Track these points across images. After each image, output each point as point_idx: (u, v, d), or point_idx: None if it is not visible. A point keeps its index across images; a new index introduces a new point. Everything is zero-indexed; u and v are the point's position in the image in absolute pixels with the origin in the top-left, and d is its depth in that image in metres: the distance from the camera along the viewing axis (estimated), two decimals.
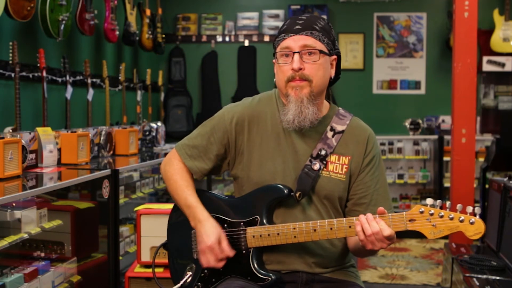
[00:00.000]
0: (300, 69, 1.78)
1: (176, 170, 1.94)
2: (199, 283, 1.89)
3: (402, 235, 5.61)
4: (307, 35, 1.79)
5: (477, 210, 1.61)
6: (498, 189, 3.25)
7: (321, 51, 1.80)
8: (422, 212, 1.64)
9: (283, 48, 1.81)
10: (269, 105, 1.91)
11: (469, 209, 1.61)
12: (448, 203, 1.64)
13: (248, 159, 1.88)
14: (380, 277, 4.43)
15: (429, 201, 1.64)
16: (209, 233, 1.80)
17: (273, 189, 1.83)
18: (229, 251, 1.81)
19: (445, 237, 4.24)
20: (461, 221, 1.61)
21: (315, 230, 1.74)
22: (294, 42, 1.79)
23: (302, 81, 1.78)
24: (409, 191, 6.34)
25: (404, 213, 1.66)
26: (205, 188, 4.14)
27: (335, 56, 1.87)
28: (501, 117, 4.36)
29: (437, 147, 6.04)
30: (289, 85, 1.80)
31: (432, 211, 1.63)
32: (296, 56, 1.78)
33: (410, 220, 1.65)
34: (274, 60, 1.87)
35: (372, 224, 1.65)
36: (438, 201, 1.65)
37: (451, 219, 1.61)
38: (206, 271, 1.88)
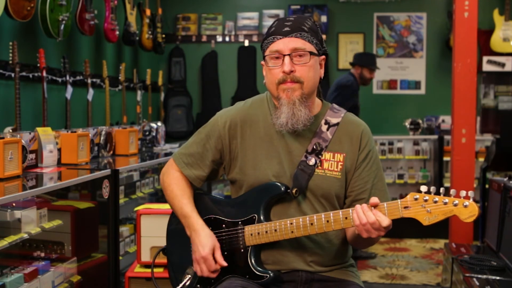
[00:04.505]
0: (291, 71, 1.77)
1: (173, 179, 1.95)
2: (198, 285, 1.89)
3: (403, 235, 5.62)
4: (296, 37, 1.78)
5: (471, 193, 1.62)
6: (498, 189, 3.25)
7: (311, 52, 1.79)
8: (416, 199, 1.65)
9: (273, 51, 1.80)
10: (261, 107, 1.91)
11: (463, 193, 1.62)
12: (442, 189, 1.64)
13: (243, 163, 1.88)
14: (380, 277, 4.43)
15: (423, 188, 1.65)
16: (203, 243, 1.82)
17: (270, 187, 1.83)
18: (222, 262, 1.82)
19: (446, 237, 4.26)
20: (455, 205, 1.61)
21: (311, 224, 1.74)
22: (284, 44, 1.78)
23: (294, 83, 1.78)
24: (409, 191, 6.22)
25: (398, 201, 1.67)
26: (205, 188, 4.14)
27: (323, 56, 1.87)
28: (501, 117, 4.35)
29: (437, 147, 6.03)
30: (280, 88, 1.79)
31: (426, 197, 1.64)
32: (287, 58, 1.77)
33: (405, 208, 1.66)
34: (262, 62, 1.86)
35: (368, 215, 1.65)
36: (432, 187, 1.65)
37: (445, 203, 1.62)
38: None
